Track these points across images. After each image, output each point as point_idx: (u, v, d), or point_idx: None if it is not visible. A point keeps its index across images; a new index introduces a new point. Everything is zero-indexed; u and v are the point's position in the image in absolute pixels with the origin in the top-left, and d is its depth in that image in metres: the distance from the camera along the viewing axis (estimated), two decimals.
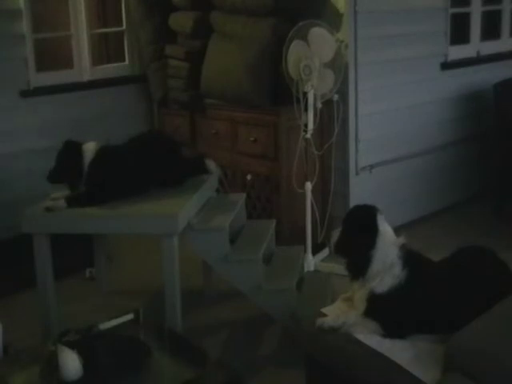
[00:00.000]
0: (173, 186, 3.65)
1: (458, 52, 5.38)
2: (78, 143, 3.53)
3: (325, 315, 2.68)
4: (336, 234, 2.69)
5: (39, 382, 2.45)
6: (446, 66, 5.23)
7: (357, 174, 4.69)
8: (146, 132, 4.49)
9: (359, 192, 4.61)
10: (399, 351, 2.41)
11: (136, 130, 5.59)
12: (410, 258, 2.59)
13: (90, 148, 3.51)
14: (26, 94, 4.78)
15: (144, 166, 3.59)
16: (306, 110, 4.15)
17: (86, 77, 5.24)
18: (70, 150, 3.50)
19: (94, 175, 3.47)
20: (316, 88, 4.12)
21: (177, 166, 3.71)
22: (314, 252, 4.37)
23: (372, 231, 2.58)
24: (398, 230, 2.68)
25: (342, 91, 4.43)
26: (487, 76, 5.39)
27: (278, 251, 3.88)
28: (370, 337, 2.50)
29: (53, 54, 5.68)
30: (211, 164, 3.90)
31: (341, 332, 2.55)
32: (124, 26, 5.58)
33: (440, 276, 2.59)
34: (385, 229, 2.61)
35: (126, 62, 5.59)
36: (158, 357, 2.55)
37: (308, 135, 4.22)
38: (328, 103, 4.37)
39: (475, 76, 5.47)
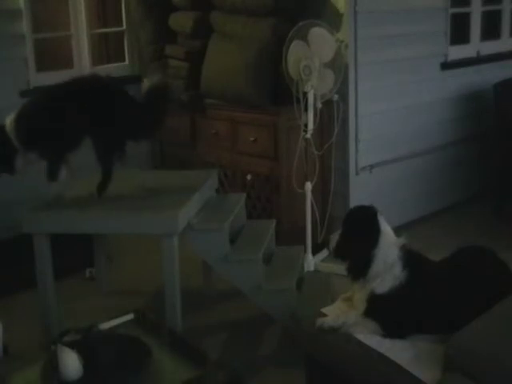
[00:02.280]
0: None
1: (457, 52, 5.37)
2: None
3: (325, 315, 2.68)
4: (335, 238, 2.69)
5: (39, 382, 2.45)
6: (446, 65, 5.23)
7: (357, 174, 4.69)
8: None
9: (359, 192, 4.61)
10: (399, 351, 2.42)
11: None
12: (411, 258, 2.59)
13: (9, 118, 3.39)
14: (25, 94, 4.76)
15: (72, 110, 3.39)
16: (306, 109, 4.15)
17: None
18: None
19: (22, 132, 3.34)
20: (316, 88, 4.12)
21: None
22: (314, 252, 4.37)
23: (374, 231, 2.58)
24: (397, 230, 2.69)
25: (342, 91, 4.42)
26: (487, 76, 5.39)
27: (278, 251, 3.88)
28: (370, 337, 2.50)
29: (53, 54, 5.68)
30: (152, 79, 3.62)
31: (341, 332, 2.55)
32: (124, 26, 5.59)
33: (440, 276, 2.59)
34: (385, 229, 2.62)
35: (126, 62, 5.60)
36: (157, 357, 2.54)
37: (308, 135, 4.22)
38: (328, 103, 4.37)
39: (475, 76, 5.46)
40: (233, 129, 4.75)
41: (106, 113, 3.43)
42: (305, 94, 4.12)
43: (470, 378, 2.08)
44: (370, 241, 2.57)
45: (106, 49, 6.23)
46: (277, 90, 4.49)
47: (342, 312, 2.67)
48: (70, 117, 3.40)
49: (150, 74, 3.53)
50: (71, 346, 2.44)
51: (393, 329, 2.50)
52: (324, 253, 4.45)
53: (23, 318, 3.73)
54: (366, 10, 4.51)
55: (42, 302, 3.49)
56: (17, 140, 3.36)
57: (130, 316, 2.91)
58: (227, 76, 4.59)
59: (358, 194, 4.58)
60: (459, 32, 5.44)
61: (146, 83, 3.61)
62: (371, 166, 4.76)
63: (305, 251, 4.23)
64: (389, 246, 2.58)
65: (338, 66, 4.17)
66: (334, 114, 4.42)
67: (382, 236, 2.58)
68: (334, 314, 2.67)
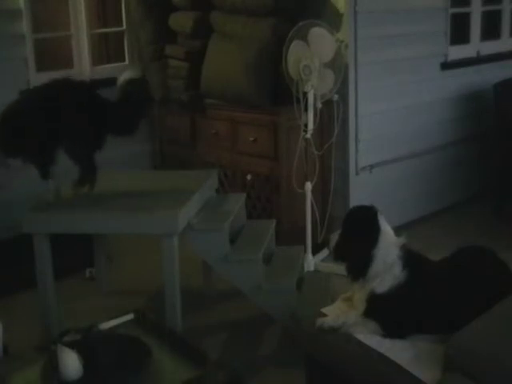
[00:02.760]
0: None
1: (458, 52, 5.37)
2: None
3: (325, 315, 2.68)
4: (335, 238, 2.69)
5: (39, 382, 2.45)
6: (446, 66, 5.23)
7: (357, 174, 4.69)
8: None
9: (359, 192, 4.61)
10: (399, 351, 2.42)
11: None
12: (410, 258, 2.59)
13: None
14: None
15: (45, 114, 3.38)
16: (306, 109, 4.15)
17: (86, 77, 5.24)
18: None
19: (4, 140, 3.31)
20: (316, 88, 4.12)
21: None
22: (314, 252, 4.37)
23: (374, 230, 2.58)
24: (397, 230, 2.68)
25: (342, 91, 4.42)
26: (487, 76, 5.39)
27: (278, 251, 3.88)
28: (370, 337, 2.50)
29: (53, 54, 5.68)
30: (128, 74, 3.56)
31: (341, 332, 2.55)
32: (124, 26, 5.58)
33: (440, 276, 2.59)
34: (385, 229, 2.61)
35: (126, 62, 5.59)
36: (157, 357, 2.54)
37: (308, 135, 4.22)
38: (328, 103, 4.37)
39: (475, 76, 5.46)
40: (233, 129, 4.75)
41: (84, 114, 3.42)
42: (305, 93, 4.12)
43: (470, 378, 2.08)
44: (369, 240, 2.57)
45: (106, 49, 6.23)
46: (277, 90, 4.49)
47: (342, 312, 2.67)
48: (57, 118, 3.37)
49: (129, 70, 3.51)
50: (71, 346, 2.43)
51: (393, 329, 2.50)
52: (324, 253, 4.45)
53: (23, 318, 3.73)
54: (366, 10, 4.51)
55: (42, 302, 3.49)
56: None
57: (130, 316, 2.90)
58: (227, 76, 4.59)
59: (358, 194, 4.57)
60: (459, 32, 5.44)
61: (121, 78, 3.58)
62: (371, 166, 4.76)
63: (305, 251, 4.23)
64: (388, 245, 2.58)
65: (338, 66, 4.17)
66: (334, 114, 4.42)
67: (382, 236, 2.58)
68: (334, 313, 2.67)
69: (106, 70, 5.47)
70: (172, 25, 5.15)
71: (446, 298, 2.51)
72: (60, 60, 5.53)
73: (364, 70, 4.58)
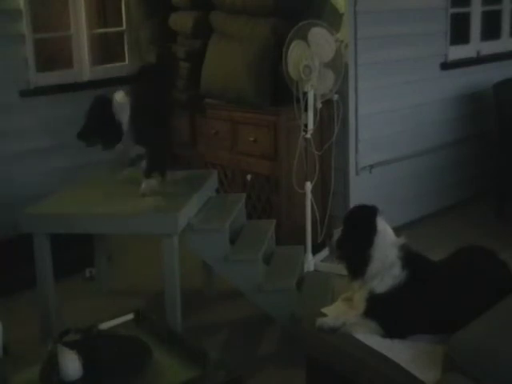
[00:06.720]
0: None
1: (458, 52, 5.37)
2: (107, 99, 3.47)
3: (325, 315, 2.68)
4: (337, 233, 2.69)
5: (39, 382, 2.45)
6: (446, 66, 5.23)
7: (357, 174, 4.69)
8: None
9: (359, 192, 4.61)
10: (399, 351, 2.42)
11: None
12: (410, 258, 2.59)
13: (122, 101, 3.46)
14: (25, 93, 4.78)
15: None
16: (305, 110, 4.15)
17: (86, 77, 5.24)
18: (103, 106, 3.46)
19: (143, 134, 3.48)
20: (316, 88, 4.13)
21: None
22: (314, 252, 4.37)
23: (370, 230, 2.58)
24: (397, 230, 2.68)
25: (342, 91, 4.43)
26: (487, 76, 5.39)
27: (278, 251, 3.88)
28: (370, 337, 2.50)
29: (53, 54, 5.68)
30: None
31: (341, 332, 2.55)
32: (124, 26, 5.58)
33: (440, 276, 2.59)
34: (384, 229, 2.61)
35: (126, 62, 5.59)
36: (158, 357, 2.54)
37: (308, 135, 4.22)
38: (328, 103, 4.37)
39: (475, 76, 5.47)
40: (233, 129, 4.75)
41: None
42: (305, 93, 4.12)
43: (470, 378, 2.08)
44: (365, 240, 2.58)
45: (106, 49, 6.23)
46: (277, 90, 4.49)
47: (342, 312, 2.67)
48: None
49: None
50: (71, 346, 2.44)
51: (393, 329, 2.50)
52: (324, 253, 4.46)
53: (23, 318, 3.72)
54: (366, 10, 4.51)
55: (42, 302, 3.49)
56: None
57: (130, 316, 2.90)
58: (227, 76, 4.59)
59: (358, 194, 4.57)
60: (459, 32, 5.44)
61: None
62: (371, 166, 4.76)
63: (305, 251, 4.23)
64: (387, 245, 2.58)
65: (338, 66, 4.17)
66: (334, 114, 4.42)
67: (379, 235, 2.58)
68: (334, 313, 2.67)
69: (106, 69, 5.47)
70: (172, 25, 5.16)
71: (445, 298, 2.51)
72: (60, 60, 5.52)
73: (364, 70, 4.58)
